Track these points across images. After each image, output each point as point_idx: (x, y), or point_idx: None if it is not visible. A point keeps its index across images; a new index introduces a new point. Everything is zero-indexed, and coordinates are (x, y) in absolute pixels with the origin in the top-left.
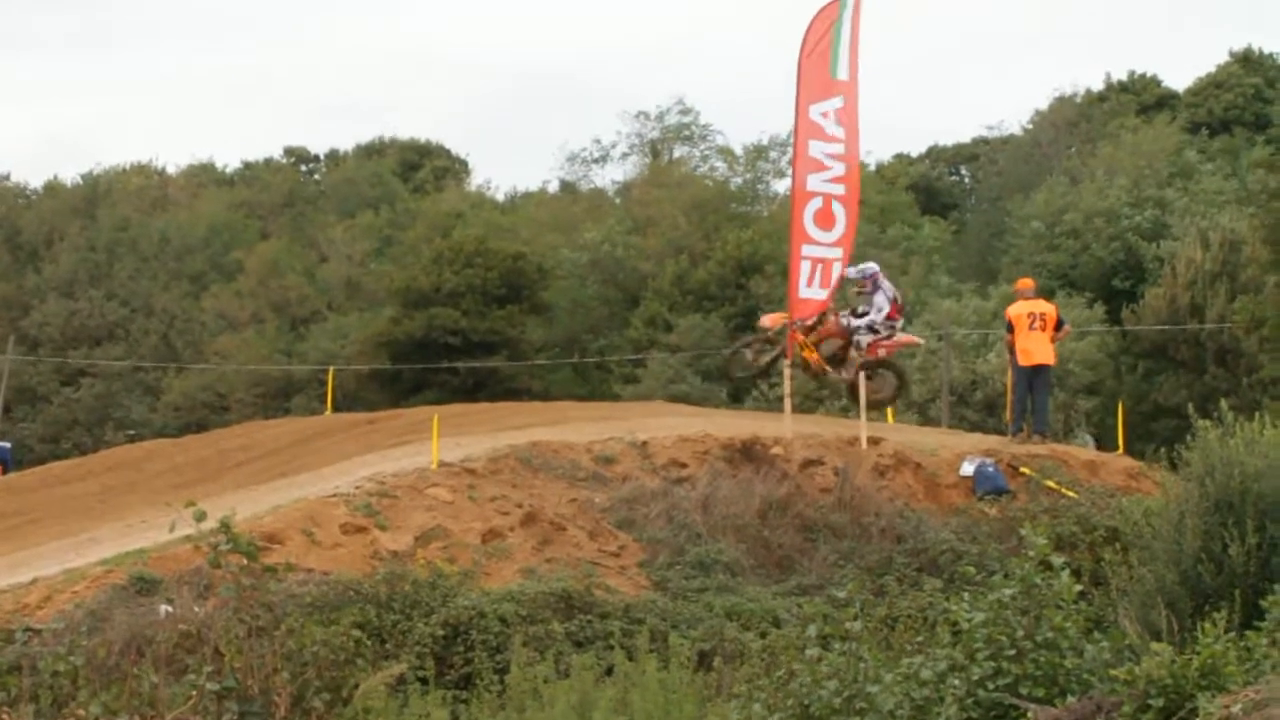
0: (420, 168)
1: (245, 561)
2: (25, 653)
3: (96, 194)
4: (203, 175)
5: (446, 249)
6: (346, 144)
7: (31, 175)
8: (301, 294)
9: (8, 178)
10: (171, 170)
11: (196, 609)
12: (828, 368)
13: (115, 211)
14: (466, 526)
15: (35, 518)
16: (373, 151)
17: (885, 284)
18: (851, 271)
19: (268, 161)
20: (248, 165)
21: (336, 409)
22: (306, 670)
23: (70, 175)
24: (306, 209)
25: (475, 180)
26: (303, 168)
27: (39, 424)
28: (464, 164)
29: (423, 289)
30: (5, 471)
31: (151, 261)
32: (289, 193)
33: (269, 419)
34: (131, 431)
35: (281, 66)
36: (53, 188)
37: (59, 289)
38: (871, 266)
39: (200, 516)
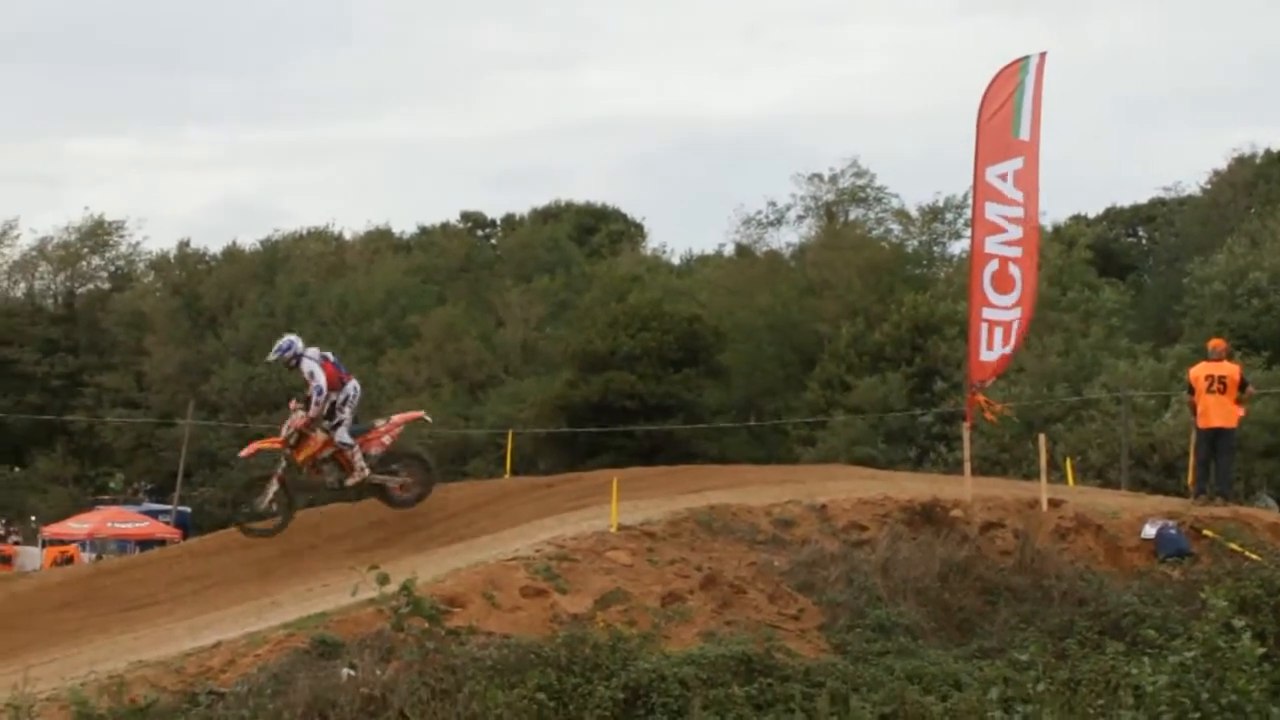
0: (596, 231)
1: (427, 625)
2: (209, 716)
3: (275, 260)
4: (379, 241)
5: (622, 313)
6: (522, 209)
7: (211, 242)
8: (478, 358)
9: (188, 244)
10: (348, 236)
11: (379, 672)
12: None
13: (294, 277)
14: (646, 589)
15: (216, 581)
16: (548, 216)
17: (307, 351)
18: (271, 356)
19: (444, 227)
20: (424, 230)
21: (514, 472)
22: None
23: (249, 242)
24: (483, 274)
25: (651, 244)
26: (479, 233)
27: (218, 488)
28: (639, 228)
29: (599, 352)
30: (185, 536)
31: (330, 326)
32: (465, 257)
33: (447, 483)
34: (310, 496)
35: (457, 132)
36: (232, 254)
37: (238, 354)
38: (287, 340)
39: (383, 580)
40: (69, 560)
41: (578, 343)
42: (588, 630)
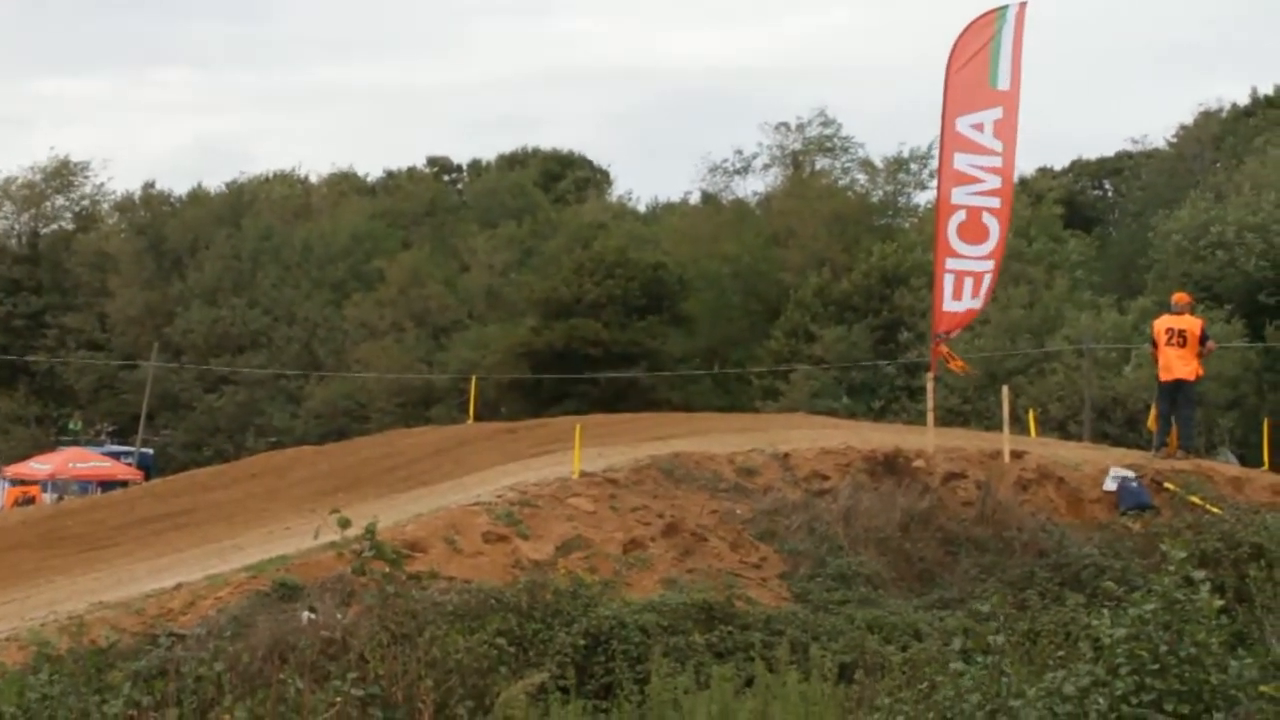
0: (562, 178)
1: (388, 569)
2: (169, 658)
3: (241, 203)
4: (345, 184)
5: (587, 260)
6: (489, 154)
7: (177, 183)
8: (442, 303)
9: (153, 186)
10: (314, 180)
11: (339, 616)
12: None
13: (259, 220)
14: (608, 536)
15: (179, 524)
16: (515, 162)
17: None
18: None
19: (410, 171)
20: (390, 174)
21: (478, 418)
22: (450, 678)
23: (214, 184)
24: (448, 219)
25: (616, 191)
26: (445, 178)
27: (181, 431)
28: (605, 175)
29: (563, 299)
30: (148, 477)
31: (294, 270)
32: (431, 202)
33: (410, 427)
34: (273, 439)
35: (424, 77)
36: (198, 196)
37: (203, 297)
38: None
39: (344, 524)
40: (30, 501)
41: (542, 289)
42: (549, 576)
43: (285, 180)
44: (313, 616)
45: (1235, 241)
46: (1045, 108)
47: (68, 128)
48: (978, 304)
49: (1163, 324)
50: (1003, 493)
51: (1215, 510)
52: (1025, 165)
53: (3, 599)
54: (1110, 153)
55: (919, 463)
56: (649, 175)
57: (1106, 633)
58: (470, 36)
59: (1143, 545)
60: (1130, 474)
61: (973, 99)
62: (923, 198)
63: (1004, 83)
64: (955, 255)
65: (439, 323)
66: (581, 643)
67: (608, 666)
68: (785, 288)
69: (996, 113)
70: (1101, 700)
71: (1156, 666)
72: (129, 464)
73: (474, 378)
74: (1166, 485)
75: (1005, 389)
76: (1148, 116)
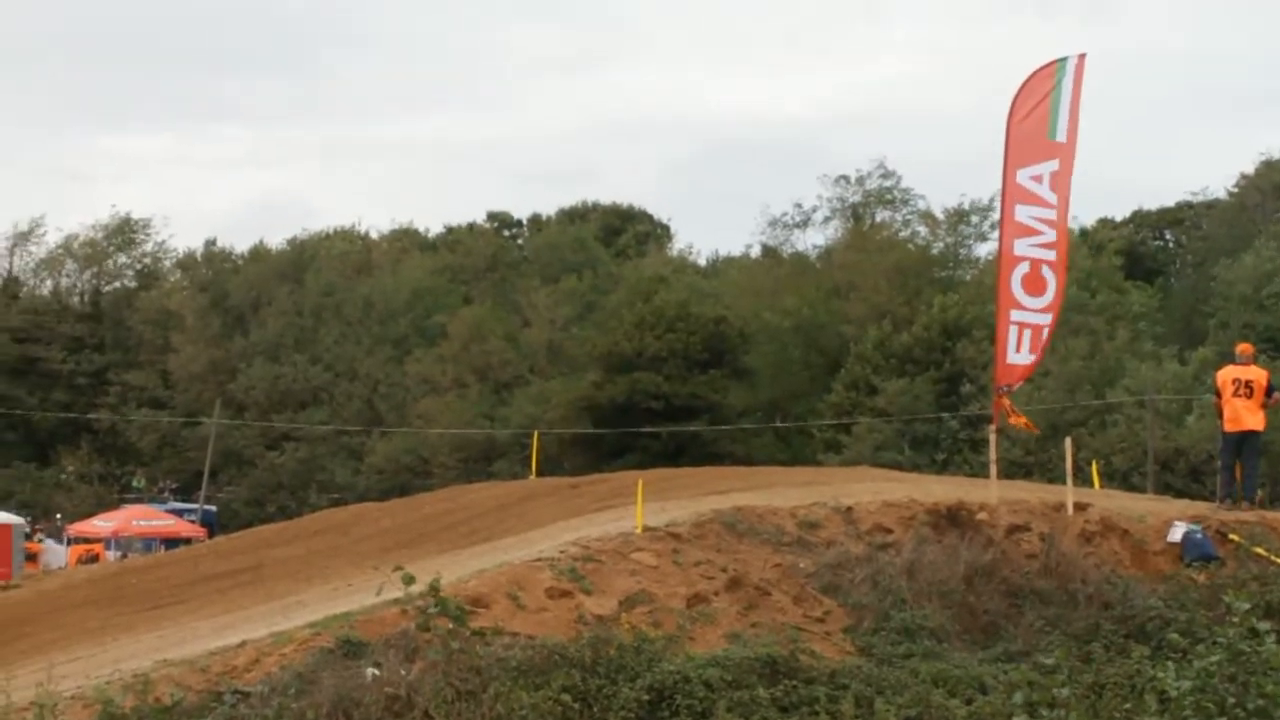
0: (622, 232)
1: (452, 625)
2: (233, 715)
3: (302, 259)
4: (405, 240)
5: (648, 314)
6: (549, 209)
7: (238, 240)
8: (504, 358)
9: (215, 243)
10: (375, 235)
11: (403, 672)
12: None
13: (320, 277)
14: (671, 591)
15: (243, 581)
16: (575, 216)
17: None
18: None
19: (470, 226)
20: (450, 230)
21: (540, 473)
22: None
23: (276, 240)
24: (509, 274)
25: (677, 245)
26: (505, 232)
27: (244, 487)
28: (665, 229)
29: (625, 353)
30: (211, 534)
31: (355, 326)
32: (492, 257)
33: (472, 483)
34: (335, 495)
35: (483, 132)
36: (259, 253)
37: (265, 353)
38: None
39: (408, 580)
40: (94, 558)
41: (604, 343)
42: (613, 631)
43: (346, 236)
44: (377, 673)
45: None
46: (1105, 158)
47: (129, 185)
48: (1037, 355)
49: (1228, 374)
50: (1067, 545)
51: None
52: (1086, 216)
53: (68, 657)
54: (1171, 203)
55: (982, 515)
56: (709, 229)
57: (1172, 685)
58: (530, 91)
59: (1208, 597)
60: (1195, 526)
61: (1033, 151)
62: (984, 249)
63: (1062, 134)
64: (1018, 307)
65: (501, 378)
66: (646, 698)
67: None
68: (846, 340)
69: (1053, 165)
70: None
71: (1223, 719)
72: (192, 521)
73: (536, 432)
74: (1231, 537)
75: (1068, 441)
76: (1208, 166)
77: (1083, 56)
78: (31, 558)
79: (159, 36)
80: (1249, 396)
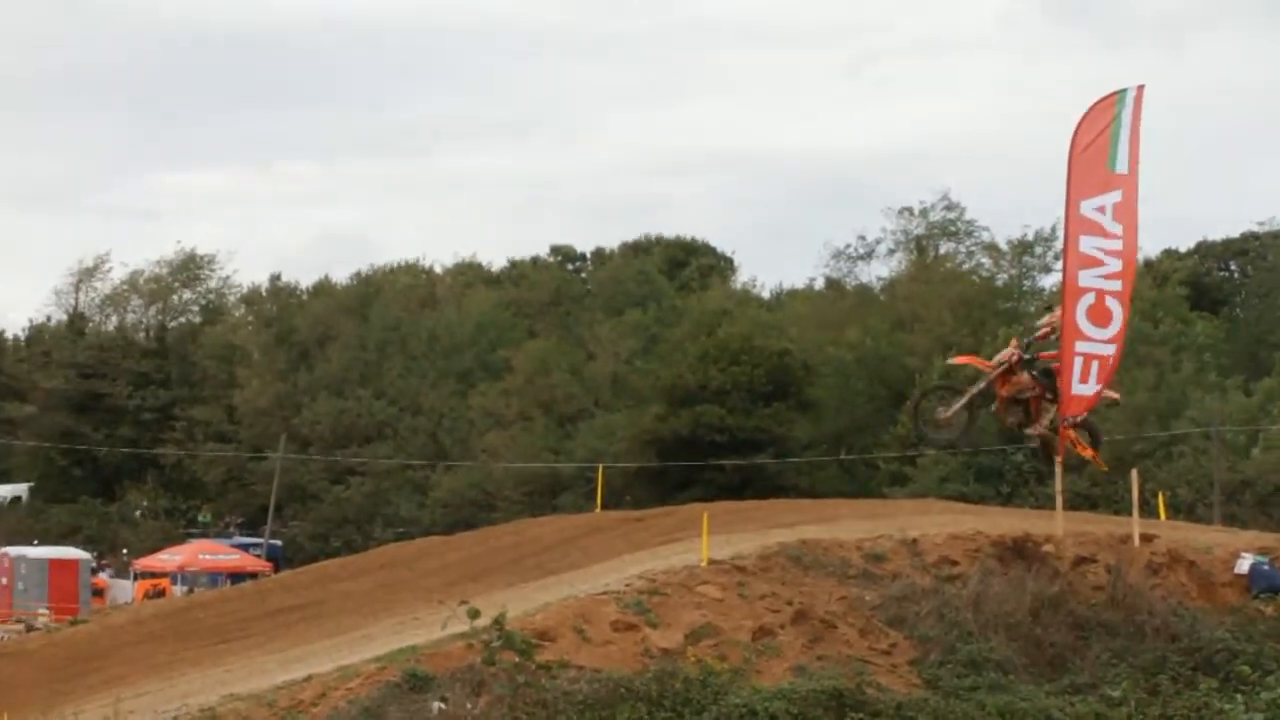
0: (686, 265)
1: (518, 659)
2: None
3: (367, 293)
4: (469, 274)
5: (712, 346)
6: (612, 242)
7: (302, 275)
8: (568, 392)
9: (280, 278)
10: (438, 270)
11: (469, 706)
12: None
13: (385, 311)
14: (737, 624)
15: (309, 615)
16: (639, 249)
17: None
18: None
19: (534, 260)
20: (514, 264)
21: (605, 506)
22: None
23: (340, 275)
24: (573, 307)
25: (741, 277)
26: (569, 266)
27: (309, 522)
28: (729, 261)
29: (689, 386)
30: (277, 569)
31: (420, 360)
32: (555, 291)
33: (537, 516)
34: (400, 529)
35: (547, 166)
36: (323, 287)
37: (330, 388)
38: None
39: (474, 614)
40: (161, 593)
41: (668, 376)
42: (678, 665)
43: (410, 271)
44: (443, 707)
45: None
46: (1169, 189)
47: (194, 221)
48: (1101, 385)
49: None
50: (1133, 577)
51: None
52: (1150, 247)
53: (136, 692)
54: (1236, 233)
55: (1048, 547)
56: (773, 261)
57: (1242, 717)
58: (593, 125)
59: (1276, 629)
60: (1262, 557)
61: (1095, 182)
62: (1048, 281)
63: (1123, 166)
64: (1084, 338)
65: (565, 411)
66: None
67: None
68: (910, 372)
69: (1116, 196)
70: None
71: None
72: (258, 555)
73: (601, 466)
74: None
75: (1134, 473)
76: (1274, 197)
77: (1141, 88)
78: (98, 593)
79: (223, 73)
80: None
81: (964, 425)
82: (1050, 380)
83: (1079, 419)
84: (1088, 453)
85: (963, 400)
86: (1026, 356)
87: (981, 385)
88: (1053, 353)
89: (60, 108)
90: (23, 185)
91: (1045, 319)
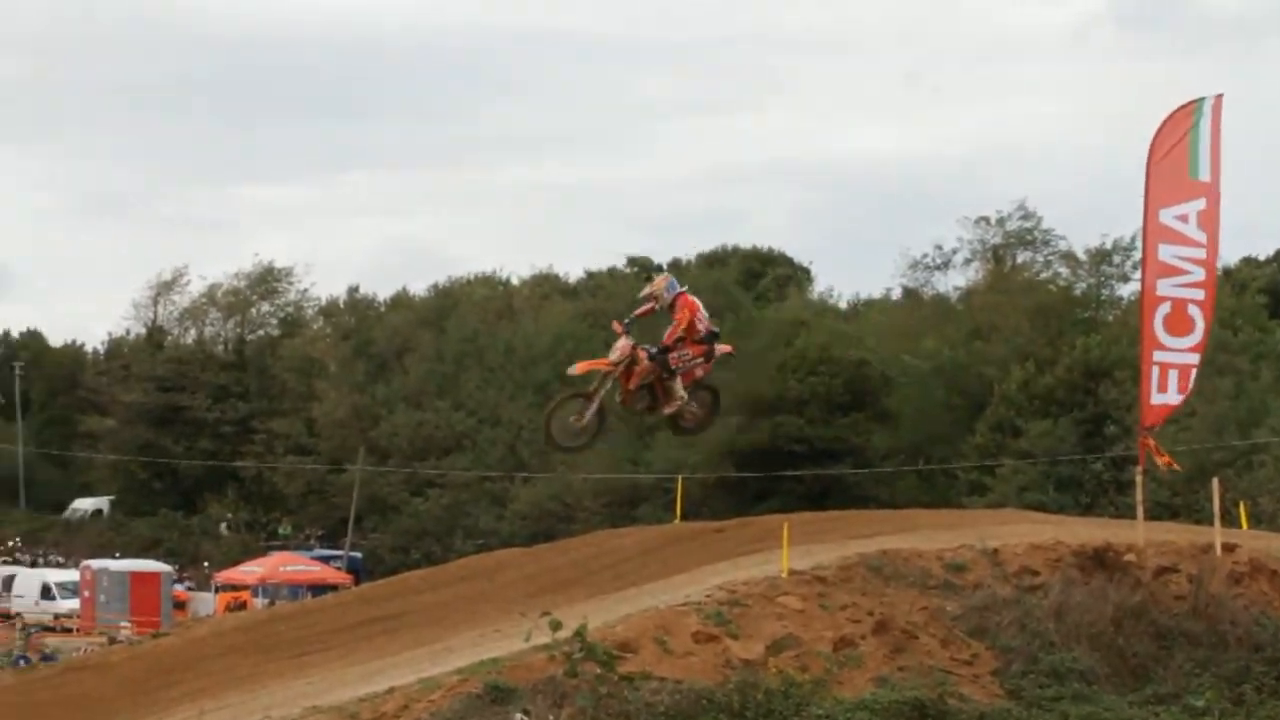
0: (763, 276)
1: (600, 670)
2: None
3: (444, 305)
4: (546, 285)
5: (790, 357)
6: (688, 253)
7: (380, 287)
8: None
9: (358, 289)
10: (515, 281)
11: (551, 717)
12: None
13: (462, 323)
14: (817, 635)
15: (389, 627)
16: (715, 260)
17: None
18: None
19: (611, 271)
20: (591, 275)
21: (684, 517)
22: None
23: (417, 287)
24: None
25: (818, 288)
26: (646, 277)
27: (389, 534)
28: (806, 272)
29: (767, 397)
30: (358, 581)
31: (498, 372)
32: (632, 302)
33: (617, 527)
34: (480, 540)
35: (623, 177)
36: (401, 300)
37: (408, 400)
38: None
39: (556, 626)
40: (242, 606)
41: (746, 387)
42: (760, 676)
43: (487, 282)
44: (525, 719)
45: None
46: (1247, 196)
47: (272, 233)
48: (1182, 395)
49: None
50: (1215, 586)
51: None
52: (1229, 254)
53: (218, 704)
54: None
55: (1130, 557)
56: (849, 272)
57: None
58: (669, 135)
59: None
60: None
61: (1174, 190)
62: (1126, 289)
63: (1204, 173)
64: (1161, 348)
65: (643, 422)
66: None
67: None
68: (989, 382)
69: (1199, 204)
70: None
71: None
72: (338, 568)
73: (680, 477)
74: None
75: (1215, 482)
76: None
77: (1220, 97)
78: (180, 605)
79: (299, 85)
80: None
81: (597, 429)
82: (664, 357)
83: None
84: (1164, 459)
85: (594, 405)
86: (654, 350)
87: (608, 385)
88: (671, 329)
89: (138, 120)
90: (101, 197)
91: (645, 291)
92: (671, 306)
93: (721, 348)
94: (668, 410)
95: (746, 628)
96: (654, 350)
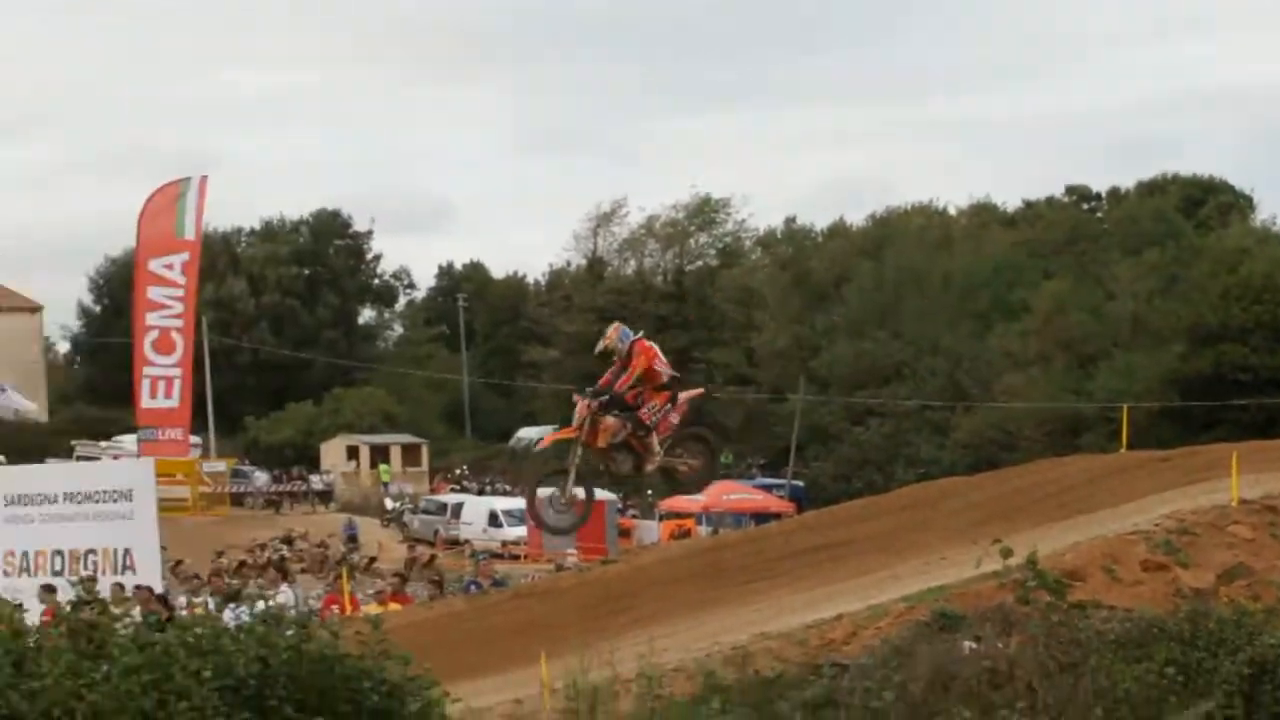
0: (1203, 204)
1: (1050, 598)
2: (833, 687)
3: (882, 235)
4: (984, 215)
5: (1234, 285)
6: (1127, 181)
7: (817, 217)
8: (1087, 332)
9: (795, 220)
10: (953, 211)
11: (1001, 645)
12: None
13: (901, 253)
14: (1269, 564)
15: (835, 555)
16: (1154, 189)
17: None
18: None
19: (1049, 200)
20: (1029, 204)
21: (1129, 446)
22: (1119, 707)
23: (855, 218)
24: (1090, 247)
25: (1260, 215)
26: (1084, 206)
27: (830, 463)
28: (1248, 199)
29: (1210, 325)
30: (800, 509)
31: (936, 301)
32: (1071, 230)
33: (1058, 456)
34: (921, 469)
35: (1062, 107)
36: (839, 230)
37: (847, 330)
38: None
39: (1007, 553)
40: (686, 534)
41: (1188, 316)
42: (1211, 605)
43: (924, 212)
44: (975, 646)
45: None
46: None
47: (708, 165)
48: None
49: None
50: None
51: None
52: None
53: (667, 630)
54: None
55: None
56: None
57: None
58: (1108, 63)
59: None
60: None
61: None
62: None
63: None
64: None
65: (1084, 351)
66: (1247, 672)
67: (1275, 696)
68: None
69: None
70: None
71: None
72: (781, 496)
73: (1125, 406)
74: None
75: None
76: None
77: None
78: (625, 533)
79: (738, 16)
80: None
81: (586, 498)
82: (630, 412)
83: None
84: None
85: (572, 476)
86: (604, 399)
87: (579, 452)
88: (624, 377)
89: (578, 55)
90: (541, 132)
91: (599, 347)
92: (628, 355)
93: (689, 392)
94: (650, 467)
95: (1196, 556)
96: (604, 397)
